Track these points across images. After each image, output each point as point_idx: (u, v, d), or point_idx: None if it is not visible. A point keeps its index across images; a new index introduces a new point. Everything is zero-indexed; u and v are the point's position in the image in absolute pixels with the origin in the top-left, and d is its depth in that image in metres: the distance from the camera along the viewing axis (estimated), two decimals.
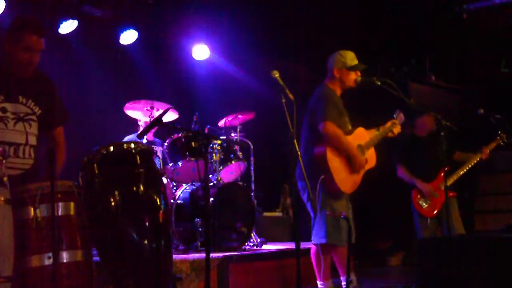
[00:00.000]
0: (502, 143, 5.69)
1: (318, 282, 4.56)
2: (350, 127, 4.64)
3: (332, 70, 4.65)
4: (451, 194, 5.56)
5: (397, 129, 4.81)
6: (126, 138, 5.88)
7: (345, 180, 4.43)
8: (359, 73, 4.65)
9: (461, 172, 5.63)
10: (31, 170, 3.49)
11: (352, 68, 4.62)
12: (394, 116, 4.88)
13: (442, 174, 5.50)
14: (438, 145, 5.51)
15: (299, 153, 3.92)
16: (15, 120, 3.45)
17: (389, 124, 4.81)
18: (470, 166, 5.66)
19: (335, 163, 4.38)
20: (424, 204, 5.57)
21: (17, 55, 3.42)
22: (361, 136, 4.65)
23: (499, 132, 5.64)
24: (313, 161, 4.41)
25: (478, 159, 5.67)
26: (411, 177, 5.61)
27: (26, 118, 3.49)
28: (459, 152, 5.77)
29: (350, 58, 4.63)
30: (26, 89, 3.51)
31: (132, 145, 3.42)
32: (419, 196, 5.59)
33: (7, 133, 3.42)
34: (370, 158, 4.68)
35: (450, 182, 5.53)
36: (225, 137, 5.91)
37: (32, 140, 3.52)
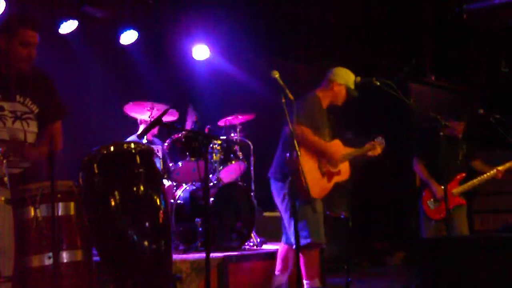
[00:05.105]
0: None
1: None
2: (327, 139, 4.66)
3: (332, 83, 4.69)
4: (461, 202, 5.55)
5: (376, 152, 4.83)
6: (128, 140, 5.87)
7: (313, 184, 4.41)
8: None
9: (473, 184, 5.57)
10: (31, 169, 3.48)
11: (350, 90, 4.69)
12: (375, 139, 4.87)
13: (458, 179, 5.51)
14: (459, 149, 5.52)
15: (299, 153, 3.94)
16: (13, 119, 3.45)
17: (368, 146, 4.83)
18: (483, 180, 5.58)
19: (304, 166, 4.36)
20: (432, 205, 5.52)
21: (16, 51, 3.42)
22: (337, 148, 4.68)
23: None
24: (286, 163, 4.44)
25: (492, 177, 5.55)
26: (428, 177, 5.55)
27: (24, 117, 3.49)
28: (479, 160, 5.71)
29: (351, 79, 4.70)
30: (23, 88, 3.50)
31: (132, 145, 3.42)
32: (430, 197, 5.55)
33: (6, 131, 3.41)
34: (344, 171, 4.73)
35: (459, 190, 5.52)
36: (225, 137, 5.91)
37: (30, 139, 3.51)
